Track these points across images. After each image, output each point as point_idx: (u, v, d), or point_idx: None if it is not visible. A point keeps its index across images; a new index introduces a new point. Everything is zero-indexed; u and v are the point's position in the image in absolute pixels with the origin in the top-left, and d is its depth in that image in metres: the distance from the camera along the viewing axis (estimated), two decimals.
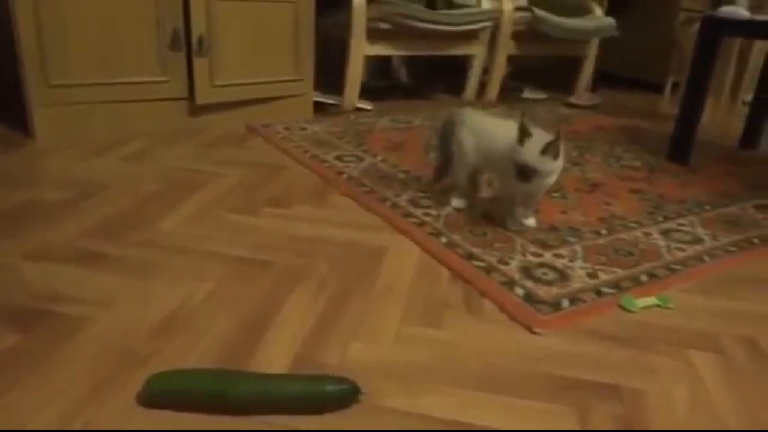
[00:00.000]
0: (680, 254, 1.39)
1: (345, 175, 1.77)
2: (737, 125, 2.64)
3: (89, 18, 1.89)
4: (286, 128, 2.24)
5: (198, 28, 2.04)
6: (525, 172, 1.30)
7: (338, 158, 1.92)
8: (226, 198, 1.56)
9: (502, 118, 1.52)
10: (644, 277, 1.27)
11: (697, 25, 2.05)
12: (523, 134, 1.30)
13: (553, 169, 1.33)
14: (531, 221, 1.47)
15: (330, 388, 0.83)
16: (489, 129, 1.47)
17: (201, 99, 2.13)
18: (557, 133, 1.28)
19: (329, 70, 2.71)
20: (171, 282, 1.14)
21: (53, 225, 1.34)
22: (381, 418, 0.83)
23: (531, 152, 1.29)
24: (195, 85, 2.10)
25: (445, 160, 1.60)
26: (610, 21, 3.11)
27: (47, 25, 1.83)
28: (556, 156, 1.30)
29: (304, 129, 2.25)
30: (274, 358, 0.93)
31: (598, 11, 3.20)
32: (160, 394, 0.82)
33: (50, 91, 1.90)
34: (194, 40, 2.04)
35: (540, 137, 1.30)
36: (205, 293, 1.11)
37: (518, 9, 2.90)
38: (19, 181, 1.59)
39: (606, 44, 3.26)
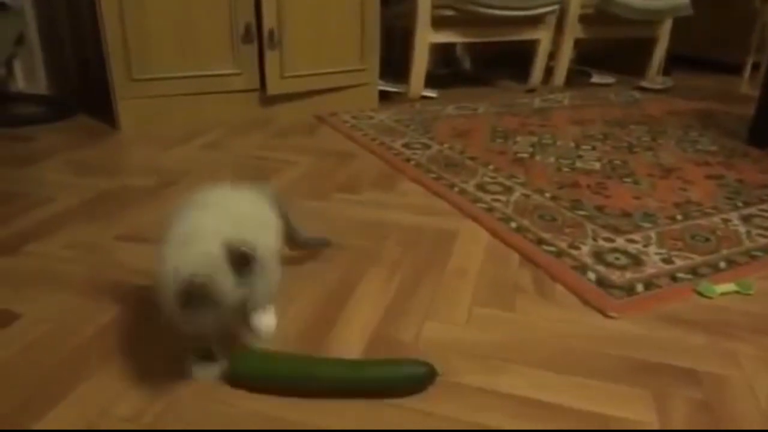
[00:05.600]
0: (762, 240, 1.34)
1: (413, 162, 1.79)
2: None
3: (168, 15, 1.99)
4: (354, 117, 2.28)
5: (269, 21, 2.10)
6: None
7: (405, 146, 1.95)
8: (299, 184, 1.62)
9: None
10: (723, 264, 1.23)
11: None
12: None
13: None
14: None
15: (408, 371, 0.85)
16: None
17: (272, 90, 2.20)
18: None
19: (394, 59, 2.73)
20: None
21: (142, 209, 1.44)
22: (457, 395, 0.86)
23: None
24: (266, 76, 2.18)
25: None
26: None
27: (130, 23, 1.94)
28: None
29: (371, 117, 2.28)
30: (351, 337, 0.97)
31: None
32: (241, 374, 0.86)
33: (133, 85, 2.02)
34: (265, 33, 2.11)
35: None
36: (282, 274, 1.16)
37: None
38: (109, 169, 1.71)
39: (679, 24, 3.13)
